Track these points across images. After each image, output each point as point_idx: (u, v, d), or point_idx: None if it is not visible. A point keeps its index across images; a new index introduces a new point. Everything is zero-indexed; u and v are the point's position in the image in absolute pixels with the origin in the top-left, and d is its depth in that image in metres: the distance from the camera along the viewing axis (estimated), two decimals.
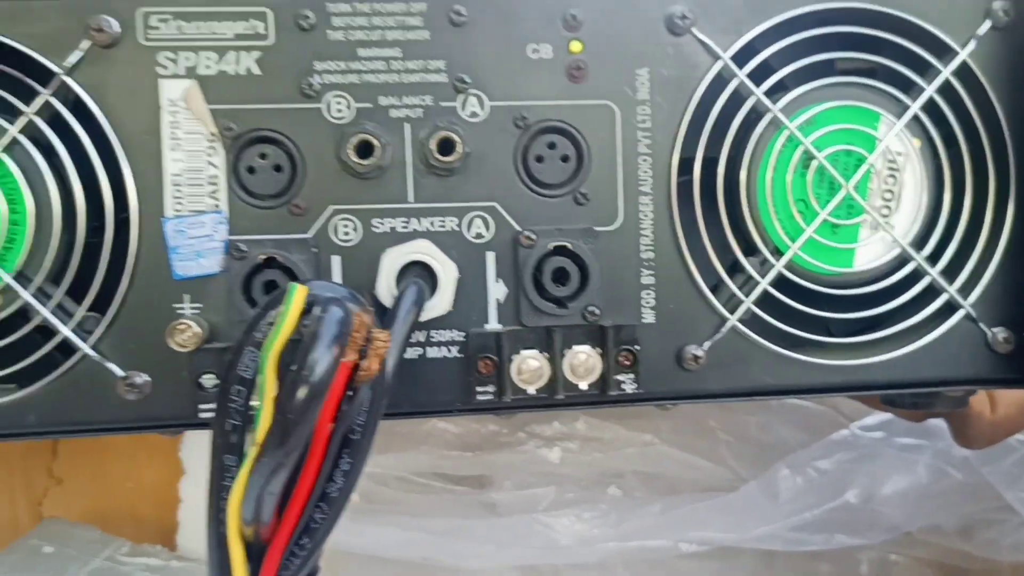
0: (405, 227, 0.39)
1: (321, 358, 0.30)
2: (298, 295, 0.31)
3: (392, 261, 0.39)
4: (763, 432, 0.62)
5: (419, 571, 0.58)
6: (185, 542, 0.66)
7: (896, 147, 0.40)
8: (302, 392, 0.29)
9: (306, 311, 0.31)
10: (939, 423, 0.60)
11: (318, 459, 0.32)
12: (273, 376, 0.31)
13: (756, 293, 0.40)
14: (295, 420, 0.30)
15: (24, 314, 0.38)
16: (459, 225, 0.39)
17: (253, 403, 0.32)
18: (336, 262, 0.39)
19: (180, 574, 0.63)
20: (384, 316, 0.34)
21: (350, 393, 0.32)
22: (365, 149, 0.38)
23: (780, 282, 0.41)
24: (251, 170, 0.38)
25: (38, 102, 0.37)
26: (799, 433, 0.62)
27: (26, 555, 0.60)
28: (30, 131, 0.37)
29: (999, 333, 0.42)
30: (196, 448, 0.66)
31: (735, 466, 0.60)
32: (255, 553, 0.33)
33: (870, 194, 0.41)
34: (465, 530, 0.56)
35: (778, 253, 0.41)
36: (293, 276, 0.38)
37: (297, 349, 0.30)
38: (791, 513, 0.56)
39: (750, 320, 0.41)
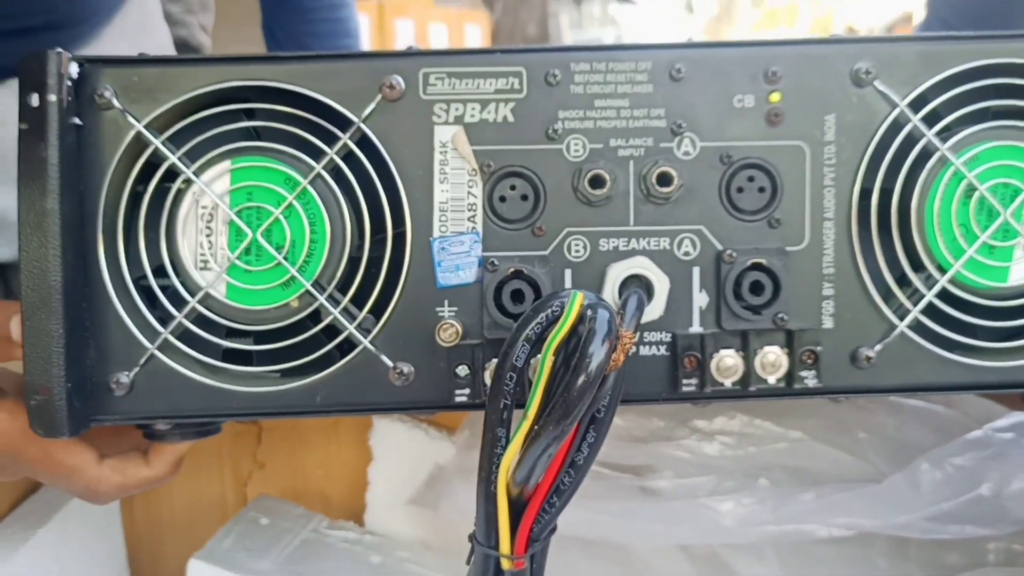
0: (626, 246, 0.47)
1: (597, 351, 0.37)
2: (579, 301, 0.38)
3: (615, 274, 0.47)
4: (899, 432, 0.68)
5: (593, 548, 0.66)
6: (372, 520, 0.75)
7: None
8: (582, 378, 0.37)
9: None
10: None
11: (573, 432, 0.40)
12: (550, 365, 0.39)
13: (923, 304, 0.47)
14: (576, 399, 0.37)
15: (315, 316, 0.47)
16: (671, 245, 0.47)
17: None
18: (568, 274, 0.47)
19: (372, 546, 0.71)
20: None
21: None
22: (597, 182, 0.46)
23: (943, 294, 0.47)
24: (502, 199, 0.46)
25: (339, 144, 0.45)
26: (931, 434, 0.68)
27: (248, 525, 0.70)
28: (329, 167, 0.46)
29: None
30: (385, 436, 0.74)
31: (876, 462, 0.66)
32: (516, 508, 0.40)
33: None
34: (635, 512, 0.64)
35: (941, 270, 0.47)
36: (535, 287, 0.46)
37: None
38: (930, 504, 0.62)
39: (916, 327, 0.47)
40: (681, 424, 0.67)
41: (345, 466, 0.77)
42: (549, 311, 0.39)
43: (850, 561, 0.67)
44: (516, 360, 0.40)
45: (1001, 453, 0.64)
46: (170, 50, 0.84)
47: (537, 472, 0.39)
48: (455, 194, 0.46)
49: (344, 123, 0.46)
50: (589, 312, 0.38)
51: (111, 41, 0.70)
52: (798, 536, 0.62)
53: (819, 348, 0.47)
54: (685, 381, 0.47)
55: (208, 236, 0.46)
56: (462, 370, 0.47)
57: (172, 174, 0.46)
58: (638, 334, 0.47)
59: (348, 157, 0.46)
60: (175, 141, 0.45)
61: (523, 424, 0.39)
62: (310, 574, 0.66)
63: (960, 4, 0.91)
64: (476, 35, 2.56)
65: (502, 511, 0.40)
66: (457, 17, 2.50)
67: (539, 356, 0.39)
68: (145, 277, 0.46)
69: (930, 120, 0.46)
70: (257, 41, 1.06)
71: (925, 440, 0.68)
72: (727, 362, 0.47)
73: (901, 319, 0.47)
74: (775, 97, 0.46)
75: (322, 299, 0.46)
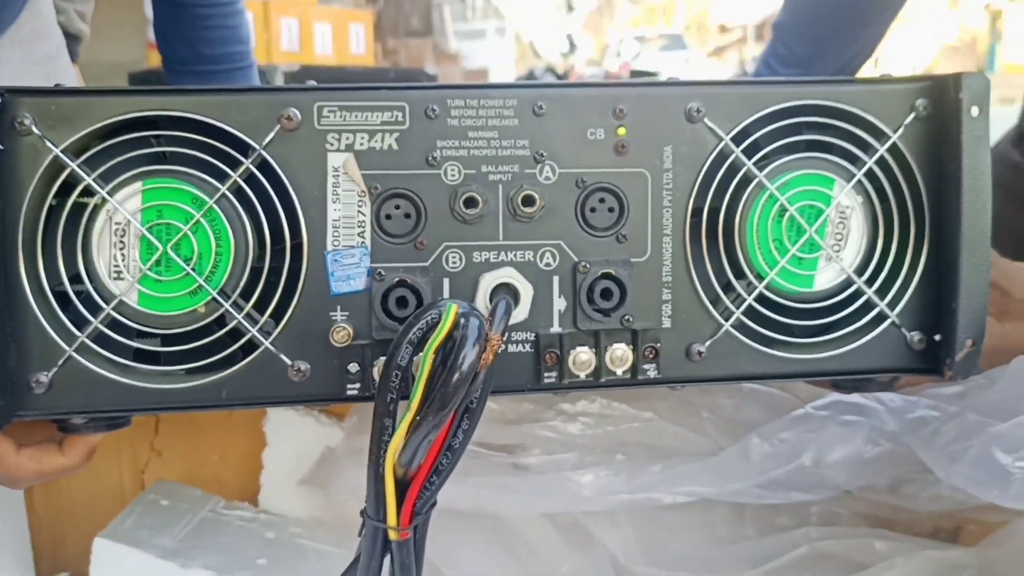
0: (496, 258, 0.54)
1: (469, 352, 0.44)
2: (454, 310, 0.45)
3: (487, 282, 0.53)
4: (737, 412, 0.77)
5: (471, 519, 0.73)
6: (267, 500, 0.80)
7: (845, 202, 0.56)
8: (457, 375, 0.44)
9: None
10: (875, 406, 0.76)
11: (450, 421, 0.47)
12: (430, 364, 0.46)
13: (744, 306, 0.56)
14: (452, 393, 0.44)
15: (221, 320, 0.53)
16: (534, 257, 0.54)
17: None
18: (446, 283, 0.54)
19: (268, 524, 0.77)
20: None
21: None
22: (471, 203, 0.53)
23: (761, 298, 0.56)
24: (388, 217, 0.53)
25: (242, 168, 0.51)
26: (765, 412, 0.77)
27: (148, 507, 0.74)
28: (233, 188, 0.51)
29: (915, 336, 0.57)
30: (278, 423, 0.80)
31: (716, 437, 0.75)
32: (401, 486, 0.47)
33: (826, 235, 0.56)
34: (507, 486, 0.71)
35: (759, 277, 0.56)
36: (418, 294, 0.53)
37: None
38: (760, 473, 0.71)
39: (739, 326, 0.56)
40: (548, 407, 0.75)
41: (240, 452, 0.82)
42: (429, 318, 0.46)
43: (693, 524, 0.76)
44: (401, 360, 0.46)
45: (819, 428, 0.74)
46: (64, 51, 0.86)
47: (419, 455, 0.46)
48: (346, 213, 0.52)
49: (246, 148, 0.51)
50: (462, 320, 0.45)
51: (4, 52, 0.73)
52: (648, 503, 0.71)
53: (659, 345, 0.55)
54: (546, 374, 0.55)
55: (121, 249, 0.51)
56: (353, 367, 0.53)
57: (89, 191, 0.50)
58: (506, 334, 0.54)
59: (250, 179, 0.51)
60: (91, 163, 0.50)
61: (407, 414, 0.45)
62: (209, 549, 0.71)
63: (803, 32, 1.02)
64: (360, 33, 2.59)
65: (389, 489, 0.47)
66: (341, 16, 2.53)
67: (421, 356, 0.45)
68: (63, 284, 0.51)
69: (751, 151, 0.55)
70: (137, 30, 1.08)
71: (759, 418, 0.77)
72: (582, 357, 0.55)
73: (726, 320, 0.56)
74: (622, 131, 0.54)
75: (227, 305, 0.52)
